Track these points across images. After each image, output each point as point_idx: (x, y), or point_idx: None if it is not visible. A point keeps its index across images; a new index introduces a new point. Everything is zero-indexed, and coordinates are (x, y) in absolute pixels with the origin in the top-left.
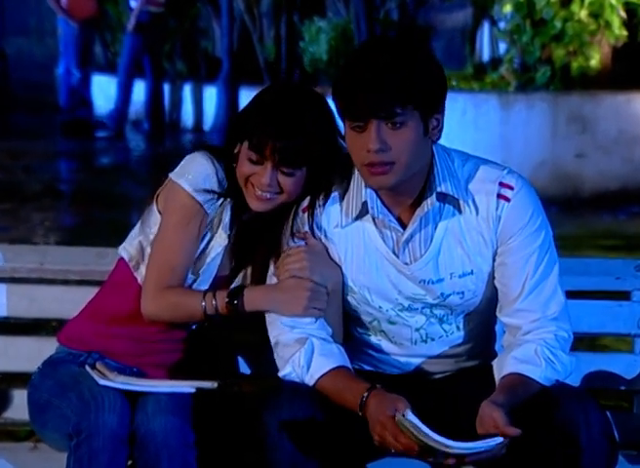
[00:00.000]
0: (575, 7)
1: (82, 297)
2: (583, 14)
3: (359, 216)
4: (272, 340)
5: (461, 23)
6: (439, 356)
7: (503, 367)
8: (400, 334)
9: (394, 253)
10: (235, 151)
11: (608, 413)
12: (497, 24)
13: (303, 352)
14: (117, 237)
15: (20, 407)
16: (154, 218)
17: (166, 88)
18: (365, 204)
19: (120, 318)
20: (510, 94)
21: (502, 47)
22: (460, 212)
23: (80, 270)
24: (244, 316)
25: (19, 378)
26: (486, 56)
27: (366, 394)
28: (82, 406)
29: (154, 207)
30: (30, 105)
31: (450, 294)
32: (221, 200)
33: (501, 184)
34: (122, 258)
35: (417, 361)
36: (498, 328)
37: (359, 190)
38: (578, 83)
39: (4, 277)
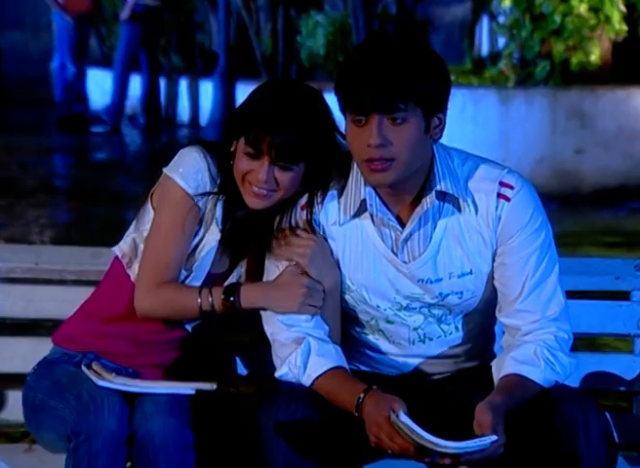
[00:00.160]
0: (574, 1)
1: (78, 297)
2: (583, 8)
3: (357, 214)
4: (269, 337)
5: (460, 18)
6: (437, 356)
7: (502, 367)
8: (398, 334)
9: (393, 251)
10: (232, 149)
11: (607, 414)
12: (496, 19)
13: (300, 352)
14: (113, 234)
15: (14, 408)
16: (149, 216)
17: (162, 82)
18: (364, 202)
19: (114, 317)
20: (509, 89)
21: (501, 42)
22: (459, 210)
23: (75, 270)
24: (240, 313)
25: (14, 379)
26: (485, 50)
27: (362, 395)
28: (81, 407)
29: (149, 204)
30: (25, 100)
31: (448, 294)
32: (213, 191)
33: (502, 184)
34: (116, 257)
35: (415, 361)
36: (497, 328)
37: (358, 188)
38: (577, 78)
39: None
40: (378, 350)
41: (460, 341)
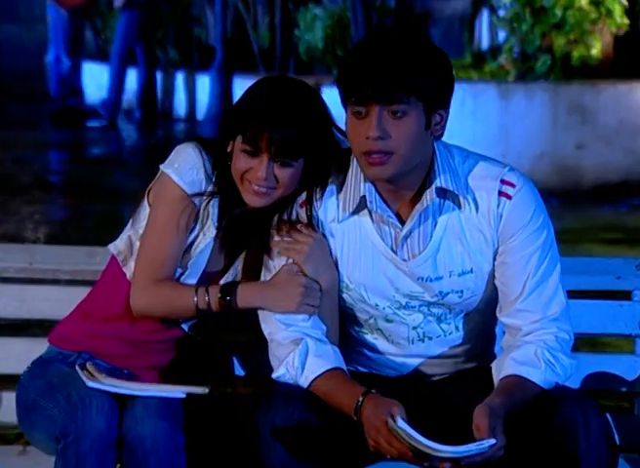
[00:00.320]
0: None
1: (72, 297)
2: (584, 2)
3: (356, 211)
4: (267, 337)
5: (460, 11)
6: (437, 357)
7: (502, 368)
8: (397, 333)
9: (392, 249)
10: (229, 150)
11: (609, 416)
12: (496, 12)
13: (298, 353)
14: (109, 231)
15: (8, 409)
16: (144, 213)
17: (158, 76)
18: (363, 198)
19: (111, 317)
20: (510, 83)
21: (502, 35)
22: (459, 208)
23: (70, 270)
24: (236, 312)
25: (8, 380)
26: (485, 44)
27: (361, 398)
28: (69, 408)
29: (145, 201)
30: (20, 94)
31: (448, 293)
32: (210, 191)
33: (503, 182)
34: (112, 256)
35: (414, 362)
36: (497, 329)
37: (357, 184)
38: (578, 72)
39: None
40: (376, 350)
41: (460, 341)
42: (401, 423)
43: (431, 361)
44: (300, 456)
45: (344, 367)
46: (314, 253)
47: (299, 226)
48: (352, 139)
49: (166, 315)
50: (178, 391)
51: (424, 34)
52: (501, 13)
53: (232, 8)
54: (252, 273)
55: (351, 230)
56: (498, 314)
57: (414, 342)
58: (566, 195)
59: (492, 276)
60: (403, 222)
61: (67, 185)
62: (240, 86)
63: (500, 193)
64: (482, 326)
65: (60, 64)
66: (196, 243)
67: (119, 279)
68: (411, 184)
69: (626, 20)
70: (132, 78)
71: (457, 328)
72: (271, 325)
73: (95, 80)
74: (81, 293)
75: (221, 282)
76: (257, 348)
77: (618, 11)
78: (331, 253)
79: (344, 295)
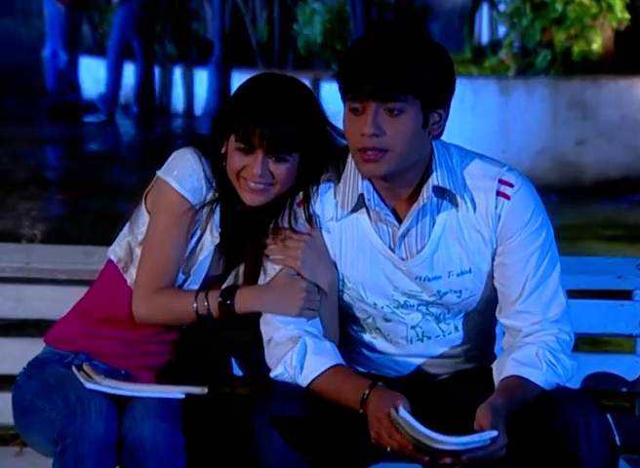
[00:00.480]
0: None
1: (69, 297)
2: None
3: (355, 209)
4: (266, 337)
5: (460, 5)
6: (436, 357)
7: (503, 369)
8: (395, 332)
9: (390, 248)
10: (223, 151)
11: (609, 416)
12: (496, 7)
13: (296, 351)
14: (106, 228)
15: (4, 410)
16: (143, 219)
17: (156, 71)
18: (361, 196)
19: (109, 320)
20: (510, 79)
21: (502, 30)
22: (457, 207)
23: (67, 269)
24: (237, 317)
25: (4, 381)
26: (485, 39)
27: (367, 391)
28: (67, 410)
29: (143, 207)
30: (16, 89)
31: (447, 293)
32: (210, 197)
33: (501, 181)
34: (111, 260)
35: (413, 362)
36: (497, 329)
37: (355, 182)
38: (579, 68)
39: None
40: (375, 350)
41: (459, 341)
42: (403, 413)
43: (431, 361)
44: (297, 457)
45: (344, 362)
46: (309, 257)
47: (288, 233)
48: (348, 136)
49: (167, 322)
50: (176, 391)
51: (425, 31)
52: (502, 7)
53: (230, 2)
54: (253, 277)
55: (349, 229)
56: (497, 315)
57: (412, 342)
58: (566, 191)
59: (490, 276)
60: (401, 221)
61: (65, 181)
62: (238, 81)
63: (499, 193)
64: (481, 326)
65: (57, 59)
66: (198, 248)
67: (119, 284)
68: (408, 182)
69: (627, 15)
70: (129, 73)
71: (456, 328)
72: (270, 324)
73: (92, 75)
74: (78, 293)
75: (223, 285)
76: (254, 349)
77: (618, 5)
78: (328, 252)
79: (343, 295)
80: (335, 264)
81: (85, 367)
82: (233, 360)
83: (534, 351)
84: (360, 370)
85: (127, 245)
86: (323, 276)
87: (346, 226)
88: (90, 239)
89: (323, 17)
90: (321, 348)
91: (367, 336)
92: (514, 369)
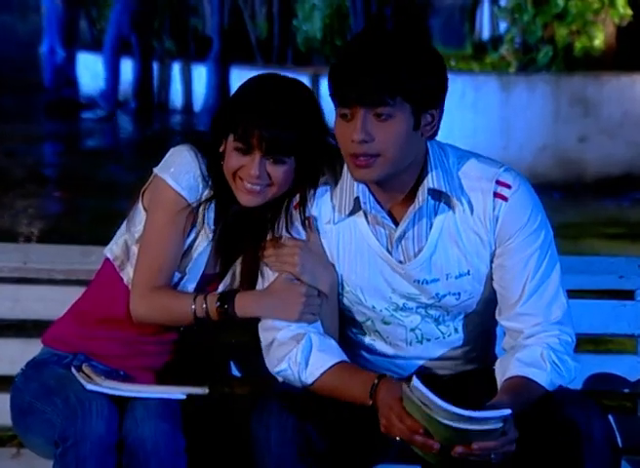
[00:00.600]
0: None
1: (67, 297)
2: None
3: (352, 213)
4: (266, 341)
5: (461, 1)
6: (436, 359)
7: (507, 369)
8: (395, 335)
9: (387, 250)
10: (221, 150)
11: (611, 417)
12: (497, 2)
13: (300, 348)
14: (104, 226)
15: (2, 411)
16: (140, 216)
17: (154, 67)
18: (357, 199)
19: (107, 319)
20: (511, 75)
21: (503, 26)
22: (454, 210)
23: (65, 269)
24: (235, 320)
25: (1, 382)
26: (486, 35)
27: (377, 381)
28: (68, 411)
29: (140, 204)
30: (13, 85)
31: (445, 295)
32: (206, 194)
33: (498, 183)
34: (108, 258)
35: (413, 364)
36: (498, 330)
37: (351, 186)
38: (581, 64)
39: None
40: (374, 352)
41: (459, 343)
42: (417, 383)
43: (430, 363)
44: (295, 460)
45: (348, 360)
46: (308, 262)
47: (282, 240)
48: (340, 141)
49: (165, 322)
50: (177, 392)
51: (416, 32)
52: (503, 3)
53: None
54: (250, 275)
55: (347, 232)
56: (497, 317)
57: (412, 344)
58: (568, 188)
59: (489, 278)
60: (398, 223)
61: (62, 178)
62: (237, 77)
63: (496, 195)
64: (481, 327)
65: (55, 55)
66: (194, 246)
67: (116, 283)
68: (403, 185)
69: (630, 11)
70: (127, 69)
71: (455, 329)
72: (271, 328)
73: (89, 70)
74: (76, 293)
75: (220, 284)
76: (254, 349)
77: (621, 1)
78: (326, 255)
79: (341, 298)
80: (333, 266)
81: (84, 368)
82: (233, 360)
83: (538, 352)
84: None
85: (124, 243)
86: (323, 279)
87: (344, 229)
88: (88, 237)
89: (323, 12)
90: (326, 345)
91: (366, 339)
92: (519, 369)
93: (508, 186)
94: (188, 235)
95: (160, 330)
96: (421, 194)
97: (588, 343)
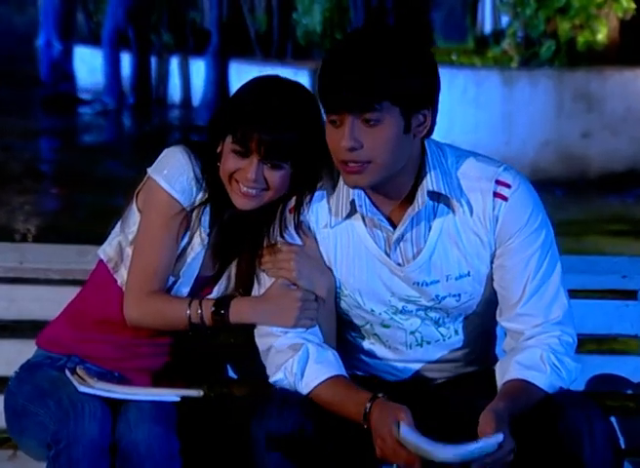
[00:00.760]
0: None
1: (63, 297)
2: None
3: (349, 216)
4: (263, 347)
5: None
6: (436, 361)
7: (507, 371)
8: (394, 338)
9: (386, 253)
10: (218, 150)
11: (614, 419)
12: None
13: (297, 359)
14: (101, 222)
15: None
16: (134, 218)
17: (152, 61)
18: (353, 202)
19: (101, 322)
20: (513, 70)
21: (505, 20)
22: (453, 211)
23: (61, 269)
24: (230, 326)
25: None
26: (488, 28)
27: (368, 404)
28: (61, 413)
29: (134, 205)
30: (9, 79)
31: (445, 297)
32: (200, 197)
33: (498, 182)
34: (101, 260)
35: (413, 367)
36: (498, 331)
37: (347, 189)
38: (584, 58)
39: None
40: (373, 356)
41: (459, 345)
42: (405, 432)
43: (430, 365)
44: (295, 463)
45: (345, 373)
46: (304, 266)
47: (278, 246)
48: (330, 147)
49: (159, 327)
50: (172, 394)
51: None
52: None
53: None
54: (245, 278)
55: (344, 235)
56: (498, 318)
57: (412, 347)
58: (571, 185)
59: (490, 279)
60: (395, 225)
61: (59, 174)
62: (236, 71)
63: (495, 194)
64: (481, 328)
65: (51, 49)
66: (188, 250)
67: (110, 284)
68: (400, 187)
69: (633, 5)
70: (125, 63)
71: (456, 331)
72: (267, 334)
73: (86, 64)
74: (72, 293)
75: (215, 288)
76: (250, 352)
77: None
78: (323, 259)
79: (340, 302)
80: (330, 270)
81: (78, 370)
82: (230, 362)
83: (538, 354)
84: (359, 373)
85: (117, 244)
86: (320, 283)
87: (341, 233)
88: (86, 234)
89: (322, 5)
90: (323, 357)
91: (365, 343)
92: (518, 372)
93: (508, 186)
94: (182, 238)
95: (155, 332)
96: (420, 196)
97: (591, 343)
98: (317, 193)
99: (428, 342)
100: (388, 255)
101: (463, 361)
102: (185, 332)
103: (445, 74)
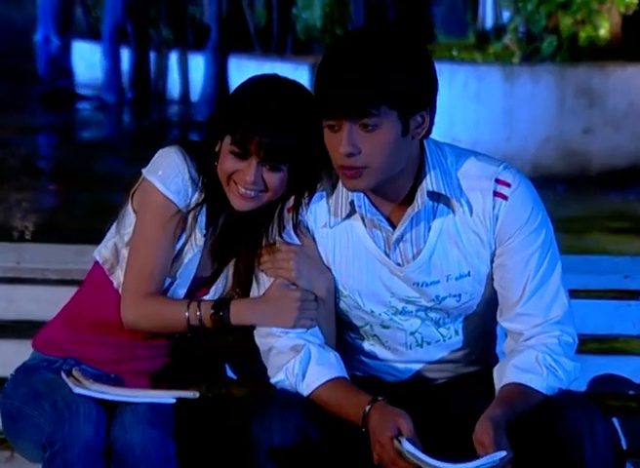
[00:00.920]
0: None
1: (61, 298)
2: None
3: (348, 216)
4: (264, 347)
5: None
6: (436, 362)
7: (504, 375)
8: (394, 339)
9: (385, 253)
10: (216, 150)
11: (616, 419)
12: None
13: (299, 360)
14: (99, 219)
15: None
16: (129, 219)
17: (151, 56)
18: (352, 203)
19: (97, 323)
20: (514, 65)
21: (506, 15)
22: (453, 211)
23: (59, 269)
24: (229, 328)
25: None
26: (489, 24)
27: (367, 407)
28: (56, 415)
29: (129, 206)
30: (7, 74)
31: (445, 297)
32: (196, 198)
33: (497, 181)
34: (97, 261)
35: (413, 367)
36: (498, 331)
37: (346, 190)
38: (585, 54)
39: None
40: (373, 356)
41: (460, 345)
42: (407, 446)
43: (431, 366)
44: (297, 464)
45: (347, 375)
46: (303, 266)
47: (277, 246)
48: (329, 151)
49: (157, 329)
50: (167, 396)
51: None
52: None
53: None
54: (242, 279)
55: (343, 235)
56: (498, 318)
57: (412, 348)
58: (572, 181)
59: (490, 278)
60: (395, 225)
61: (57, 171)
62: (235, 66)
63: (495, 193)
64: (482, 328)
65: (49, 44)
66: (184, 251)
67: (106, 286)
68: (399, 188)
69: (635, 0)
70: (124, 58)
71: (456, 331)
72: (268, 335)
73: (85, 60)
74: (70, 293)
75: (212, 288)
76: (250, 351)
77: None
78: (322, 259)
79: (339, 302)
80: (329, 270)
81: (74, 371)
82: (229, 363)
83: (533, 356)
84: (358, 374)
85: (113, 246)
86: (319, 283)
87: (340, 233)
88: (84, 231)
89: (323, 0)
90: (325, 359)
91: (365, 344)
92: (514, 375)
93: (508, 185)
94: (179, 239)
95: (151, 334)
96: (420, 197)
97: (593, 344)
98: (316, 193)
99: (428, 343)
100: (388, 256)
101: (464, 361)
102: (184, 334)
103: (446, 70)
